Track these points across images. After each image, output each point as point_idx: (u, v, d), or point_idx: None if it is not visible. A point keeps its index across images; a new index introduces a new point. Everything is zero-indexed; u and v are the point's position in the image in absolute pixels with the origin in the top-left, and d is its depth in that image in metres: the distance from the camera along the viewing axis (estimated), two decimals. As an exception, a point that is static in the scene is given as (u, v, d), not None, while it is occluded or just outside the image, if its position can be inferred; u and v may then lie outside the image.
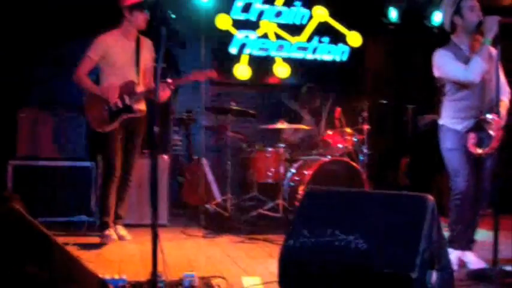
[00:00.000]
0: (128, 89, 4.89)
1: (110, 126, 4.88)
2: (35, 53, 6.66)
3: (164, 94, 4.79)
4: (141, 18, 4.92)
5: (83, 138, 5.90)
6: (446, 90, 4.24)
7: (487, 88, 4.09)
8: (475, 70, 3.95)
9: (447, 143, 4.22)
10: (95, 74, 5.04)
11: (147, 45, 5.07)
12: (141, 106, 5.04)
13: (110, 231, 4.93)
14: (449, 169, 4.21)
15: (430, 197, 2.79)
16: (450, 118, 4.22)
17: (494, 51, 4.03)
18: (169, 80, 4.79)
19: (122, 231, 5.09)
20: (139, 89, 4.95)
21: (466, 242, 4.18)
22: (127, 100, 4.89)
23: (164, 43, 3.24)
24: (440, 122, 4.31)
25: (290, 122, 6.38)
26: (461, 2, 4.08)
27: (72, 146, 5.88)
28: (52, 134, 5.83)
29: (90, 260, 4.18)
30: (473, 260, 4.15)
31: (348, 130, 6.40)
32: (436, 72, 4.22)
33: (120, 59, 4.92)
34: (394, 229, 2.70)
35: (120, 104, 4.88)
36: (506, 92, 4.23)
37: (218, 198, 6.74)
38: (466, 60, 4.03)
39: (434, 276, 2.82)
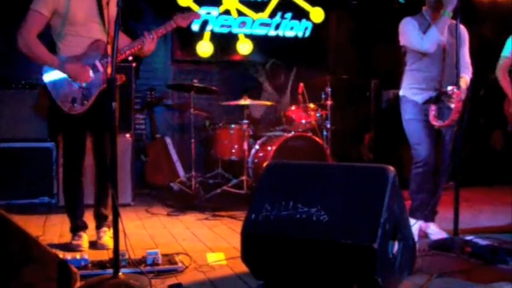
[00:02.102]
0: (96, 50, 3.85)
1: (84, 106, 3.81)
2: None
3: (153, 46, 3.92)
4: None
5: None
6: (407, 60, 4.29)
7: (447, 61, 4.14)
8: (430, 39, 4.03)
9: (407, 114, 4.28)
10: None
11: None
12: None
13: (79, 240, 3.95)
14: (410, 139, 4.27)
15: (391, 168, 2.80)
16: (410, 89, 4.28)
17: (461, 27, 4.08)
18: (152, 34, 3.89)
19: (105, 238, 4.00)
20: (110, 47, 3.72)
21: (428, 213, 4.24)
22: (99, 66, 3.84)
23: (120, 16, 3.15)
24: (401, 92, 4.36)
25: (253, 97, 6.35)
26: None
27: (31, 126, 5.74)
28: (9, 114, 5.68)
29: (52, 241, 4.13)
30: (435, 231, 4.22)
31: (311, 106, 6.41)
32: (401, 39, 4.28)
33: (80, 12, 3.80)
34: (355, 201, 2.71)
35: (92, 75, 3.82)
36: (468, 70, 4.28)
37: (182, 176, 6.72)
38: (424, 28, 4.11)
39: (396, 246, 2.85)
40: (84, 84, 3.80)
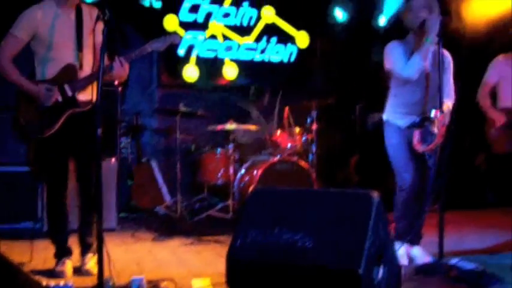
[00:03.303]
0: (67, 75, 3.81)
1: (49, 130, 3.78)
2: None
3: (123, 71, 3.81)
4: None
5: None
6: (392, 84, 4.33)
7: (431, 86, 4.18)
8: (412, 67, 4.07)
9: (390, 139, 4.31)
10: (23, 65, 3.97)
11: (92, 15, 3.88)
12: (89, 96, 3.88)
13: (63, 266, 3.90)
14: (394, 164, 4.29)
15: (376, 193, 2.82)
16: (393, 113, 4.31)
17: (445, 53, 4.15)
18: (121, 59, 3.79)
19: (90, 264, 3.95)
20: (83, 73, 3.87)
21: (413, 238, 4.25)
22: (68, 91, 3.81)
23: (106, 43, 3.17)
24: (384, 117, 4.40)
25: (240, 122, 6.36)
26: (408, 2, 4.23)
27: (14, 149, 5.69)
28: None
29: (36, 267, 4.09)
30: (420, 254, 4.23)
31: (297, 130, 6.44)
32: (385, 64, 4.30)
33: (57, 36, 3.81)
34: (340, 226, 2.72)
35: (59, 98, 3.80)
36: (451, 96, 4.32)
37: (168, 200, 6.70)
38: (410, 52, 4.15)
39: (381, 271, 2.86)
40: (49, 106, 3.79)
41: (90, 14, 3.92)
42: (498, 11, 6.49)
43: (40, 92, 3.78)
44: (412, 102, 4.20)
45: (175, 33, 4.13)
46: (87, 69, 3.91)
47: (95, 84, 3.78)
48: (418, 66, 4.06)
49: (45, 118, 3.80)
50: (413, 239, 4.26)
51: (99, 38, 3.63)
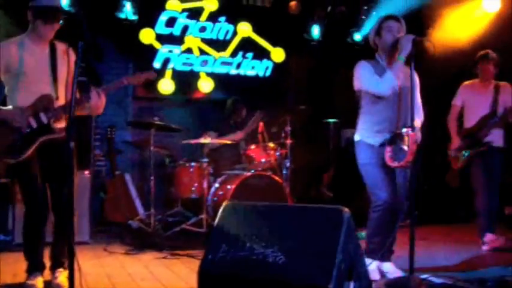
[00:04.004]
0: (43, 104, 3.90)
1: (23, 155, 3.82)
2: None
3: (100, 103, 3.92)
4: (45, 30, 3.94)
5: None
6: (363, 103, 4.37)
7: (402, 104, 4.25)
8: (385, 83, 4.12)
9: (363, 158, 4.33)
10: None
11: (64, 51, 4.06)
12: (63, 124, 4.00)
13: (34, 280, 3.90)
14: (368, 183, 4.31)
15: (346, 209, 2.85)
16: (365, 131, 4.34)
17: (414, 73, 4.22)
18: (98, 90, 3.90)
19: (60, 278, 3.98)
20: (58, 102, 3.97)
21: (384, 253, 4.29)
22: (43, 118, 3.88)
23: (81, 58, 3.18)
24: (356, 137, 4.41)
25: (216, 135, 6.37)
26: (381, 23, 4.30)
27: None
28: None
29: (5, 280, 4.04)
30: (391, 270, 4.26)
31: (271, 145, 6.48)
32: (355, 84, 4.34)
33: (31, 69, 3.91)
34: (311, 241, 2.75)
35: (34, 124, 3.86)
36: (420, 114, 4.40)
37: (141, 214, 6.68)
38: (382, 74, 4.20)
39: (351, 287, 2.88)
40: (23, 133, 3.82)
41: (63, 51, 4.04)
42: (469, 36, 6.66)
43: (15, 115, 3.82)
44: (383, 121, 4.25)
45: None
46: (62, 100, 4.00)
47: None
48: (391, 83, 4.12)
49: (17, 143, 3.83)
50: (385, 255, 4.30)
51: (72, 67, 3.88)
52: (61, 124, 3.98)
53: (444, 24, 6.47)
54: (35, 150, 3.87)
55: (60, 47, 4.06)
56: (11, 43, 3.94)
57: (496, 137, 5.58)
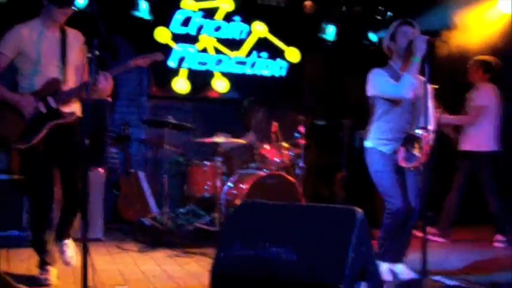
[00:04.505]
0: (51, 88, 3.93)
1: (32, 140, 3.87)
2: None
3: (107, 86, 3.92)
4: (58, 14, 3.96)
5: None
6: (376, 111, 4.32)
7: (415, 112, 4.22)
8: (405, 85, 4.05)
9: (376, 165, 4.29)
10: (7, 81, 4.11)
11: (75, 37, 4.11)
12: (72, 108, 4.04)
13: (47, 274, 3.94)
14: (382, 190, 4.28)
15: (359, 210, 2.84)
16: (377, 139, 4.28)
17: (423, 78, 4.19)
18: (106, 73, 3.91)
19: (68, 252, 4.09)
20: (66, 86, 4.00)
21: (397, 255, 4.27)
22: (52, 103, 3.92)
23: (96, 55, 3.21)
24: (367, 144, 4.36)
25: (230, 135, 6.37)
26: (397, 28, 4.24)
27: (1, 157, 5.68)
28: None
29: (19, 275, 4.08)
30: (404, 271, 4.24)
31: (285, 144, 6.47)
32: (370, 91, 4.28)
33: (43, 53, 3.96)
34: (324, 241, 2.74)
35: (43, 109, 3.91)
36: (432, 121, 4.35)
37: (155, 211, 6.69)
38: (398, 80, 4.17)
39: (363, 287, 2.88)
40: (33, 117, 3.88)
41: (75, 37, 4.10)
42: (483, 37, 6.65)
43: (24, 100, 3.88)
44: (396, 129, 4.19)
45: (158, 51, 4.22)
46: (70, 84, 4.02)
47: (79, 98, 4.02)
48: (411, 84, 4.06)
49: (28, 129, 3.88)
50: (397, 256, 4.28)
51: (83, 59, 3.94)
52: (69, 108, 4.01)
53: (459, 25, 6.44)
54: (45, 136, 3.90)
55: (71, 32, 4.11)
56: (24, 27, 3.99)
57: None
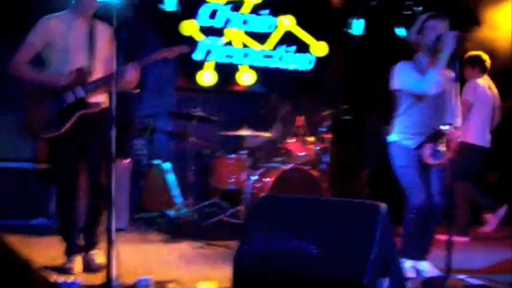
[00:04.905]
0: (78, 78, 3.96)
1: (60, 129, 3.93)
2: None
3: (134, 77, 3.98)
4: (87, 5, 4.05)
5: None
6: (401, 105, 4.29)
7: (441, 107, 4.18)
8: (429, 81, 4.02)
9: (399, 160, 4.27)
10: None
11: (104, 30, 4.13)
12: (99, 98, 4.06)
13: (72, 263, 3.98)
14: (404, 185, 4.26)
15: (383, 205, 2.83)
16: (401, 134, 4.26)
17: (452, 74, 4.15)
18: (133, 64, 3.96)
19: (98, 259, 4.05)
20: (94, 77, 4.02)
21: (420, 253, 4.24)
22: (79, 92, 3.96)
23: (124, 47, 3.24)
24: (391, 138, 4.34)
25: (256, 128, 6.36)
26: (425, 22, 4.18)
27: (29, 146, 5.76)
28: (8, 134, 5.72)
29: (45, 263, 4.13)
30: (428, 269, 4.21)
31: (310, 139, 6.45)
32: (394, 85, 4.25)
33: (72, 43, 4.00)
34: (347, 236, 2.74)
35: (71, 98, 3.95)
36: (457, 118, 4.31)
37: (179, 203, 6.73)
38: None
39: (385, 283, 2.86)
40: (61, 108, 3.93)
41: (103, 29, 4.12)
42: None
43: (60, 77, 3.92)
44: (420, 123, 4.16)
45: (184, 43, 4.26)
46: (97, 75, 4.04)
47: (106, 89, 3.99)
48: (436, 80, 4.02)
49: (55, 118, 3.94)
50: (421, 254, 4.25)
51: (111, 51, 3.80)
52: (96, 98, 4.04)
53: (486, 20, 6.38)
54: (71, 126, 3.94)
55: (99, 24, 4.15)
56: (53, 18, 4.05)
57: None
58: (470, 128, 5.79)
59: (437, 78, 4.01)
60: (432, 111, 4.17)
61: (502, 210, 6.09)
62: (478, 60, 5.99)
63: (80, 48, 4.02)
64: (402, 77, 4.21)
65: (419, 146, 4.14)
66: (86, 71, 3.99)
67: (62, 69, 3.98)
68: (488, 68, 6.01)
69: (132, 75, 3.94)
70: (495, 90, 6.09)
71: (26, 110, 4.01)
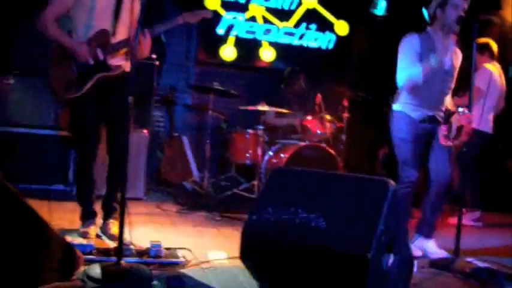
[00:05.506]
0: (100, 40, 3.93)
1: (79, 91, 3.92)
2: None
3: (145, 45, 3.89)
4: None
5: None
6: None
7: (448, 82, 4.20)
8: (419, 73, 4.05)
9: (401, 133, 4.27)
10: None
11: None
12: (120, 61, 4.04)
13: (87, 228, 4.06)
14: (400, 158, 4.28)
15: (392, 182, 2.86)
16: (407, 104, 4.25)
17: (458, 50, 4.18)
18: (145, 31, 3.85)
19: (113, 229, 4.06)
20: (115, 39, 3.98)
21: (426, 231, 4.28)
22: (100, 54, 3.93)
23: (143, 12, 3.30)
24: (396, 108, 4.33)
25: (274, 105, 6.39)
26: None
27: (49, 113, 5.86)
28: (29, 101, 5.80)
29: (62, 226, 4.24)
30: (433, 249, 4.25)
31: (328, 117, 6.47)
32: (398, 56, 4.28)
33: (99, 4, 3.95)
34: (354, 210, 2.78)
35: (91, 61, 3.92)
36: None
37: (196, 176, 6.81)
38: (432, 49, 4.13)
39: (391, 259, 2.91)
40: (81, 69, 3.92)
41: None
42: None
43: (81, 48, 3.89)
44: (428, 96, 4.17)
45: (207, 9, 4.23)
46: (119, 37, 4.00)
47: (126, 52, 4.02)
48: (415, 80, 4.06)
49: (76, 80, 3.93)
50: (427, 233, 4.29)
51: (136, 15, 3.88)
52: (117, 61, 4.02)
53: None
54: (92, 88, 3.94)
55: None
56: None
57: None
58: (476, 115, 5.77)
59: (417, 78, 4.05)
60: (440, 85, 4.18)
61: (476, 214, 6.05)
62: (487, 47, 5.99)
63: (105, 9, 3.96)
64: (400, 54, 4.24)
65: (423, 121, 4.16)
66: (108, 34, 3.96)
67: (87, 30, 3.94)
68: (496, 54, 5.97)
69: (142, 41, 3.83)
70: (503, 77, 6.05)
71: (49, 70, 4.02)
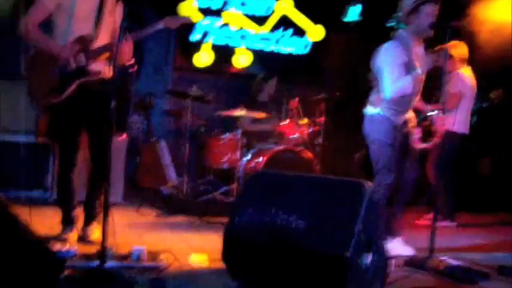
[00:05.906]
0: (81, 45, 3.89)
1: (59, 96, 3.88)
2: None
3: (126, 48, 3.87)
4: None
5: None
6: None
7: (419, 86, 4.31)
8: (397, 89, 4.13)
9: (383, 137, 4.29)
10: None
11: (113, 3, 4.05)
12: (100, 66, 4.00)
13: (68, 234, 4.05)
14: (379, 161, 4.31)
15: (369, 183, 2.95)
16: (390, 109, 4.29)
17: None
18: (127, 36, 3.83)
19: (95, 234, 4.12)
20: (97, 44, 3.95)
21: (392, 230, 4.38)
22: (81, 59, 3.89)
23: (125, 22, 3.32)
24: (375, 110, 4.36)
25: (251, 109, 6.44)
26: (421, 5, 4.18)
27: (27, 118, 5.82)
28: (8, 106, 5.77)
29: (42, 233, 4.22)
30: (399, 247, 4.33)
31: (304, 121, 6.55)
32: (376, 63, 4.34)
33: (80, 8, 3.91)
34: (333, 211, 2.86)
35: (73, 63, 3.87)
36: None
37: (174, 180, 6.82)
38: (409, 54, 4.21)
39: (369, 258, 2.99)
40: (62, 73, 3.88)
41: (112, 3, 4.04)
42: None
43: (64, 52, 3.86)
44: (408, 102, 4.27)
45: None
46: (101, 42, 3.98)
47: (107, 57, 4.02)
48: (406, 91, 4.14)
49: (57, 85, 3.89)
50: (394, 232, 4.38)
51: (117, 20, 3.90)
52: (97, 66, 3.98)
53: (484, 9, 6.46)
54: (72, 94, 3.89)
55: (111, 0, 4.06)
56: None
57: None
58: (457, 118, 5.84)
59: (406, 89, 4.12)
60: (417, 88, 4.28)
61: (445, 223, 6.08)
62: (457, 51, 5.94)
63: (87, 14, 3.95)
64: (385, 66, 4.25)
65: (403, 124, 4.24)
66: (90, 39, 3.93)
67: (67, 34, 3.91)
68: (467, 58, 6.01)
69: (124, 47, 3.82)
70: (474, 79, 6.14)
71: (28, 75, 3.99)
